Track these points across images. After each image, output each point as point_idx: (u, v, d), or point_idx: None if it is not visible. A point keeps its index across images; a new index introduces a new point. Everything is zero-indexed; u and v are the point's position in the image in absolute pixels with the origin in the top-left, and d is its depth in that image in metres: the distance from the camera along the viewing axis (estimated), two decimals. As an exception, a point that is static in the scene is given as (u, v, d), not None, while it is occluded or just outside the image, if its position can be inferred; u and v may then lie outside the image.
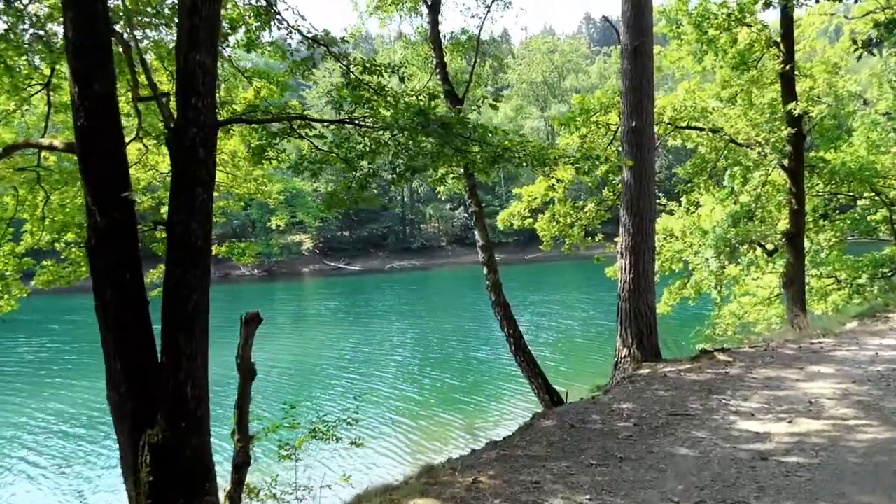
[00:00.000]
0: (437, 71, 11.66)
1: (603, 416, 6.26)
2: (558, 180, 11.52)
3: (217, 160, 12.64)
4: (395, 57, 14.86)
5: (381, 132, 7.08)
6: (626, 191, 9.36)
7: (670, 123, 14.74)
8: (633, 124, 9.04)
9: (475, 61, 11.41)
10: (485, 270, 11.96)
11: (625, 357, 9.19)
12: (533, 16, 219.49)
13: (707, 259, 17.83)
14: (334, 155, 7.31)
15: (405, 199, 74.25)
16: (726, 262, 17.90)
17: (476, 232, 12.09)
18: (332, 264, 68.19)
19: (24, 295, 11.35)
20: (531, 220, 16.22)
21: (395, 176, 7.50)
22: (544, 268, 57.40)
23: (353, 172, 7.66)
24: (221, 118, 6.98)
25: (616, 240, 10.14)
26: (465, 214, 67.83)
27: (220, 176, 12.95)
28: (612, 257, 12.13)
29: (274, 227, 61.58)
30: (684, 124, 14.89)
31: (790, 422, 5.89)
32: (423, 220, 74.23)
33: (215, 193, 13.68)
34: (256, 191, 12.86)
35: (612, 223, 11.99)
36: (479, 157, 6.90)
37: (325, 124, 7.08)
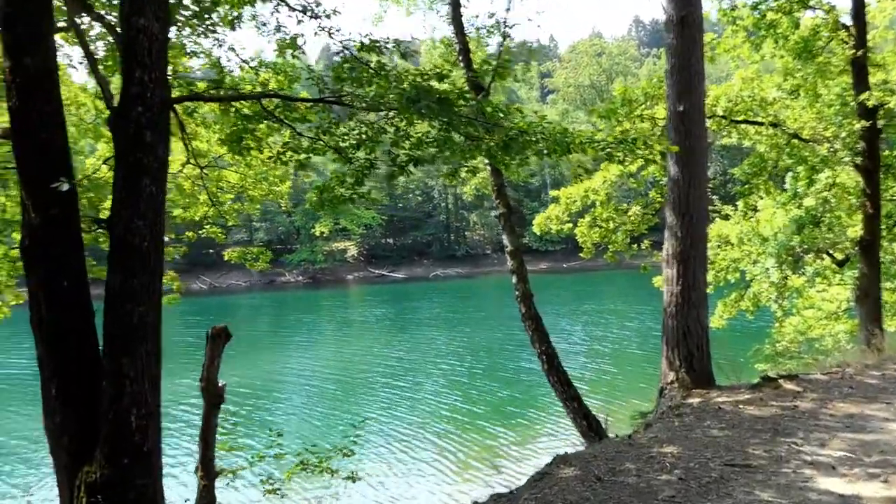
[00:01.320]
0: (460, 58, 10.57)
1: (639, 465, 5.00)
2: (585, 169, 10.17)
3: (230, 158, 11.83)
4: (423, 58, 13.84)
5: (375, 115, 6.02)
6: (672, 187, 8.03)
7: (724, 117, 13.22)
8: (681, 108, 7.71)
9: (502, 44, 10.27)
10: (513, 279, 10.77)
11: (671, 383, 7.85)
12: (581, 20, 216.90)
13: (767, 269, 16.22)
14: (322, 144, 6.26)
15: (450, 206, 73.33)
16: (789, 273, 16.27)
17: (504, 236, 10.91)
18: (377, 272, 67.72)
19: (20, 302, 10.66)
20: (570, 224, 14.93)
21: (395, 168, 6.42)
22: (595, 276, 55.30)
23: (348, 165, 6.61)
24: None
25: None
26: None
27: (232, 176, 12.14)
28: (660, 266, 10.79)
29: (318, 234, 61.48)
30: (741, 118, 13.36)
31: (885, 480, 4.52)
32: (468, 228, 73.10)
33: (228, 196, 12.95)
34: (268, 192, 11.96)
35: (661, 230, 10.68)
36: (491, 143, 5.75)
37: (310, 107, 6.05)
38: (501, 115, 5.55)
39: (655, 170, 14.51)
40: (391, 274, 67.13)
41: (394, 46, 6.64)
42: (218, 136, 6.77)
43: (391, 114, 6.04)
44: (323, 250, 64.57)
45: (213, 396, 5.51)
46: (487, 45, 11.01)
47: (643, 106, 12.78)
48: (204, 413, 5.49)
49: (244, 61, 9.92)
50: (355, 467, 14.68)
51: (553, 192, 14.85)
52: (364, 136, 6.34)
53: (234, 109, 5.94)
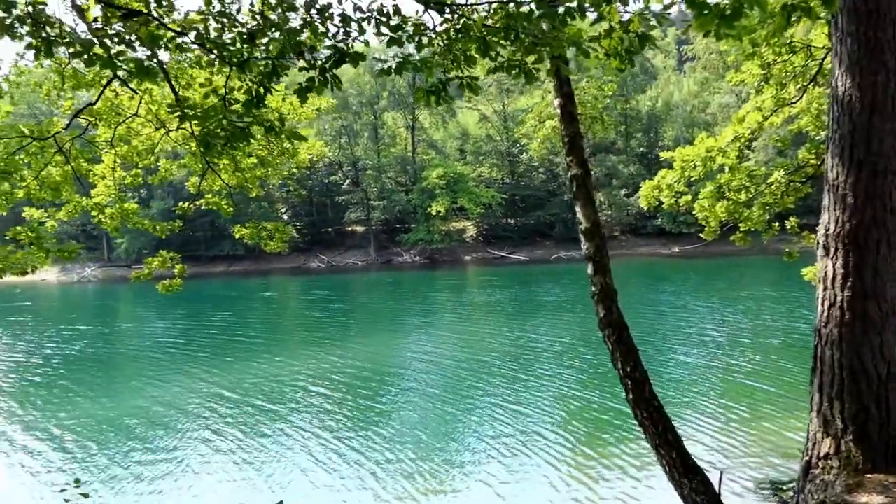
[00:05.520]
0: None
1: None
2: (645, 39, 6.30)
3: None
4: None
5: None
6: (838, 116, 4.55)
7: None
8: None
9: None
10: (589, 269, 7.59)
11: (825, 457, 4.50)
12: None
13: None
14: (169, 32, 3.57)
15: (575, 185, 68.97)
16: None
17: (578, 208, 7.74)
18: (496, 253, 65.09)
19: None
20: (689, 196, 11.40)
21: (315, 73, 3.66)
22: (748, 262, 48.29)
23: (243, 74, 3.91)
24: None
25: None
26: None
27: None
28: (812, 253, 7.17)
29: (434, 213, 59.73)
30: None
31: None
32: (595, 208, 68.34)
33: (251, 161, 10.69)
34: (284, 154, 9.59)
35: (814, 210, 7.01)
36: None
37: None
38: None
39: (809, 121, 10.65)
40: (511, 255, 64.22)
41: None
42: None
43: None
44: (440, 230, 62.70)
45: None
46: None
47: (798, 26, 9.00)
48: None
49: None
50: (462, 474, 12.35)
51: (664, 155, 11.34)
52: (258, 17, 3.60)
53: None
